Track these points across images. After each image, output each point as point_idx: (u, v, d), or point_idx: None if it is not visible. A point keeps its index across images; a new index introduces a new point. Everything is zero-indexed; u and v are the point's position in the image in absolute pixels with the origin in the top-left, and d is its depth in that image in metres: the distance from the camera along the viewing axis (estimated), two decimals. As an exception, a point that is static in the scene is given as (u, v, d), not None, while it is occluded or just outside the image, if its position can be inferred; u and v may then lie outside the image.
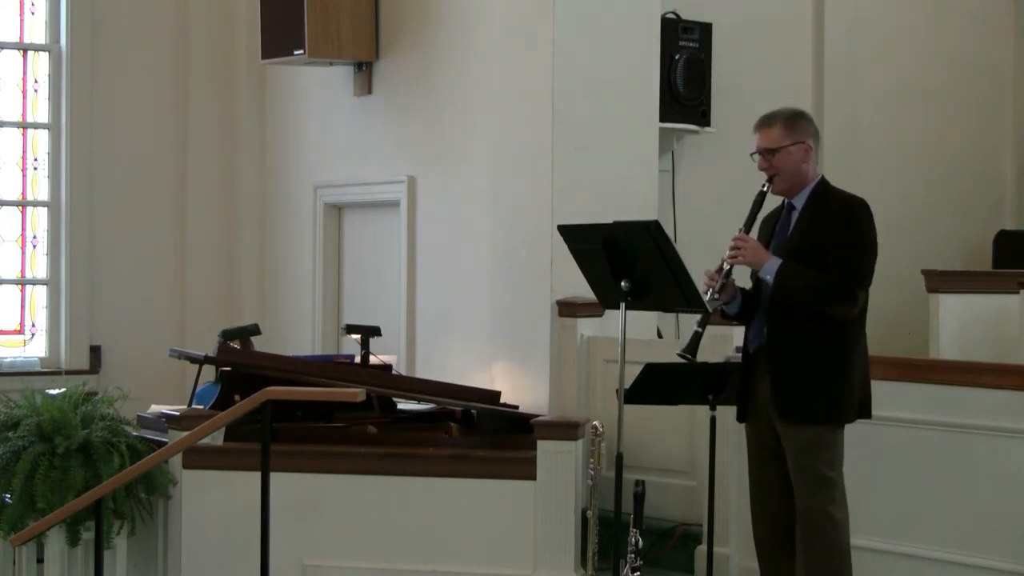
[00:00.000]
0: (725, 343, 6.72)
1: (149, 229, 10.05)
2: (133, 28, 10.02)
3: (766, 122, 5.57)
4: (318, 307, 9.52)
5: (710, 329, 6.74)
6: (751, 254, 5.43)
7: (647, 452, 7.25)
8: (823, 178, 5.55)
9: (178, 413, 7.00)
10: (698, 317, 5.60)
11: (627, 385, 5.78)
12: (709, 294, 5.46)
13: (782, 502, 5.51)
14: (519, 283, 7.87)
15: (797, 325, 5.38)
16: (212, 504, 6.87)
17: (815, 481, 5.38)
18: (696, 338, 5.53)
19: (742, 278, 5.65)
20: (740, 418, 5.64)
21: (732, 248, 5.45)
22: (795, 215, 5.52)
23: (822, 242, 5.36)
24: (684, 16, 8.67)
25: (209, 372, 7.39)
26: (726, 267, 5.44)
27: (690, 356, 5.54)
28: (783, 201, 5.61)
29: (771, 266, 5.39)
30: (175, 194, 10.11)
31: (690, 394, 6.06)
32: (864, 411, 5.50)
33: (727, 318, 5.69)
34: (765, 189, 5.52)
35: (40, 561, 7.11)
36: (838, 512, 5.40)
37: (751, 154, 5.57)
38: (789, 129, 5.50)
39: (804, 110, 5.69)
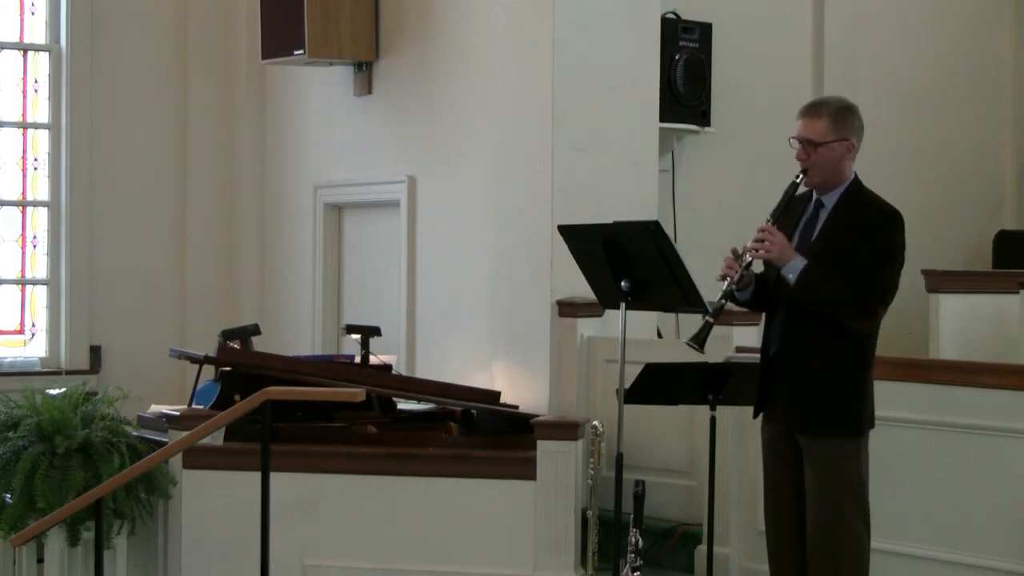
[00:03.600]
0: (725, 343, 6.72)
1: (149, 229, 10.05)
2: (133, 28, 10.02)
3: (813, 111, 5.26)
4: (318, 307, 9.52)
5: (711, 329, 6.75)
6: (778, 251, 5.15)
7: (647, 452, 7.25)
8: (856, 178, 5.29)
9: (178, 413, 7.00)
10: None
11: (627, 385, 5.77)
12: (727, 283, 5.18)
13: (801, 526, 5.33)
14: (519, 283, 7.87)
15: (814, 331, 5.18)
16: (212, 504, 6.87)
17: (842, 494, 5.19)
18: (706, 328, 5.27)
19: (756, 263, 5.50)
20: (756, 415, 5.46)
21: (756, 240, 5.17)
22: (823, 213, 5.27)
23: (850, 250, 5.13)
24: (684, 16, 8.67)
25: (209, 372, 7.39)
26: (748, 259, 5.18)
27: (698, 346, 5.29)
28: (810, 193, 5.35)
29: (795, 265, 5.14)
30: (175, 194, 10.11)
31: (690, 394, 6.05)
32: (871, 421, 5.32)
33: (737, 303, 5.41)
34: (798, 181, 5.24)
35: (40, 561, 7.12)
36: (863, 528, 5.24)
37: (790, 139, 5.28)
38: (836, 124, 5.22)
39: (854, 104, 5.36)
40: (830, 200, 5.27)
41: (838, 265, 5.13)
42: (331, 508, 6.83)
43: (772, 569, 5.52)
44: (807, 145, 5.22)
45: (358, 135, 9.26)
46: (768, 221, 5.20)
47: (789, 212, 5.32)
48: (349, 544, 6.81)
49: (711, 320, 5.27)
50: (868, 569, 5.32)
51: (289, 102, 9.85)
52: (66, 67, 9.82)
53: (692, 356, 6.13)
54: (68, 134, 9.80)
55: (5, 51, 9.88)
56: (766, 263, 5.33)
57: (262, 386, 6.27)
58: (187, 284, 10.10)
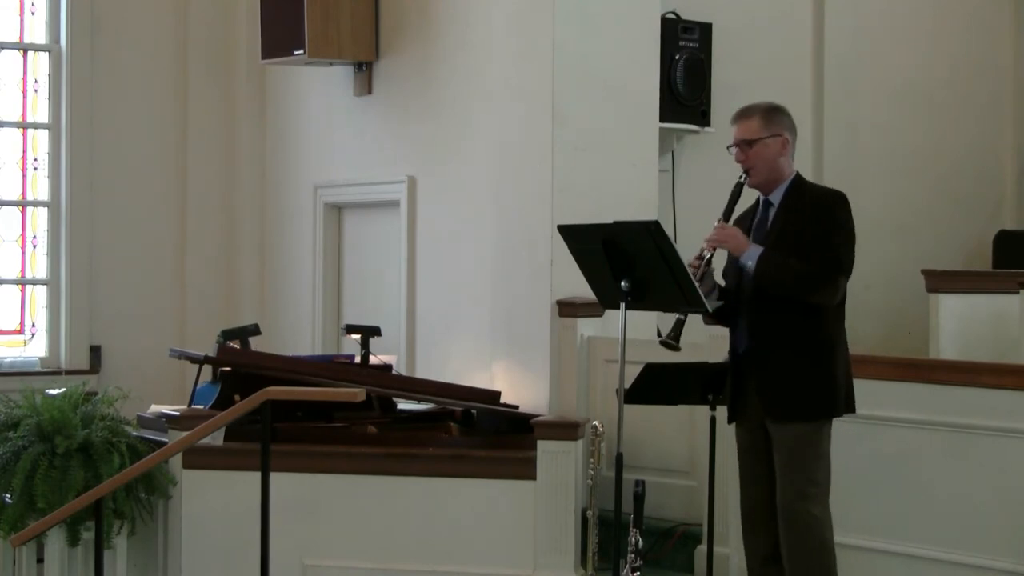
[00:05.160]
0: (725, 343, 6.71)
1: (149, 229, 10.05)
2: (133, 28, 10.02)
3: (744, 114, 5.59)
4: (318, 307, 9.52)
5: (711, 329, 6.74)
6: (733, 241, 5.48)
7: (647, 452, 7.25)
8: (798, 174, 5.60)
9: (178, 413, 7.00)
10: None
11: (627, 385, 5.78)
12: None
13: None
14: (519, 283, 7.87)
15: (778, 322, 5.43)
16: (212, 504, 6.87)
17: (800, 478, 5.40)
18: (679, 324, 5.56)
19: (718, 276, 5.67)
20: (731, 420, 5.65)
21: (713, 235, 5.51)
22: (772, 211, 5.56)
23: (801, 235, 5.41)
24: (684, 16, 8.67)
25: (209, 372, 7.39)
26: (707, 254, 5.49)
27: (674, 342, 5.56)
28: (757, 199, 5.65)
29: (752, 252, 5.44)
30: (175, 194, 10.11)
31: (690, 394, 6.05)
32: (849, 406, 5.53)
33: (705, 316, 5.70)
34: (742, 181, 5.56)
35: (40, 561, 7.12)
36: (818, 509, 5.42)
37: (728, 147, 5.60)
38: (767, 121, 5.53)
39: (782, 105, 5.69)
40: (776, 197, 5.57)
41: (794, 250, 5.40)
42: (331, 508, 6.83)
43: (748, 559, 5.70)
44: (743, 146, 5.55)
45: (358, 135, 9.26)
46: (719, 220, 5.54)
47: (744, 222, 5.63)
48: (349, 544, 6.81)
49: (682, 317, 5.57)
50: (831, 550, 5.45)
51: (289, 102, 9.86)
52: (66, 67, 9.82)
53: (692, 356, 6.15)
54: (68, 134, 9.80)
55: (5, 51, 9.88)
56: (727, 271, 5.61)
57: (262, 386, 6.27)
58: (187, 284, 10.10)
